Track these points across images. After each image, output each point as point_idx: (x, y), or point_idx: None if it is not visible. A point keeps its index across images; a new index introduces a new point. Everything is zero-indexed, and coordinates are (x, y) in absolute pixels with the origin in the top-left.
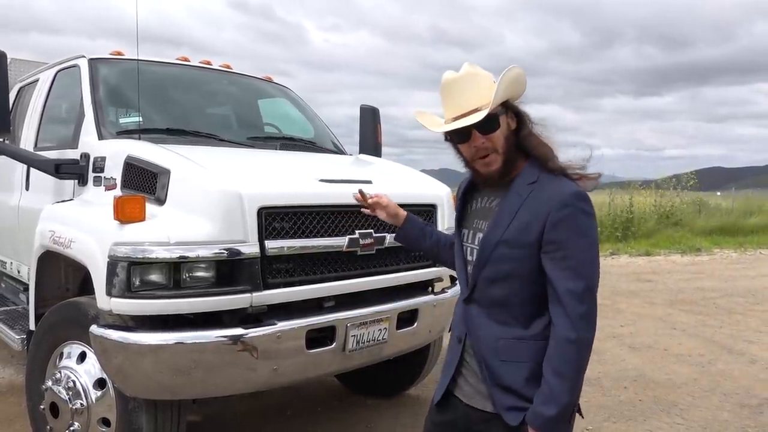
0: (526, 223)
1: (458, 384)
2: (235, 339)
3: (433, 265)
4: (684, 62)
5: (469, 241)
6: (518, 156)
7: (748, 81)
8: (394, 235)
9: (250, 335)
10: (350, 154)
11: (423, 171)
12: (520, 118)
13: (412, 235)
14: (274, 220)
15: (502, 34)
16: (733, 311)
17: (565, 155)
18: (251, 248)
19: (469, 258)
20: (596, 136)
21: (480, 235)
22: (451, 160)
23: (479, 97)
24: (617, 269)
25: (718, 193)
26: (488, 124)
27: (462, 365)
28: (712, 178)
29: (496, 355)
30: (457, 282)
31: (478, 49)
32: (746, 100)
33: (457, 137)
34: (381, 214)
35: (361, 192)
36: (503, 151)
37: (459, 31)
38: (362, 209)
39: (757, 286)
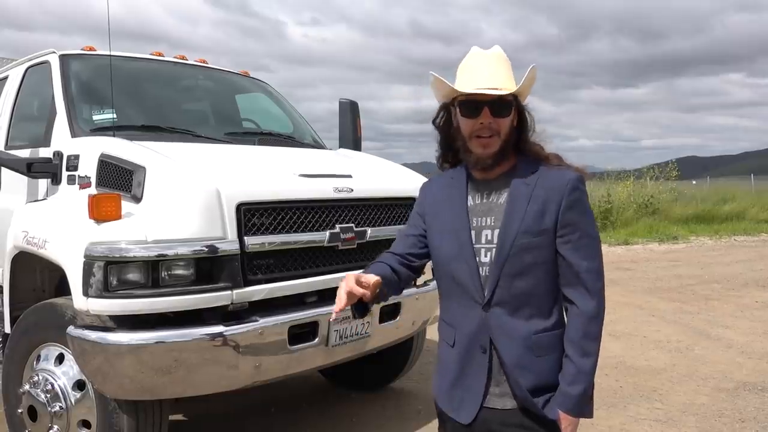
0: (539, 210)
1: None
2: (216, 337)
3: None
4: (658, 54)
5: (474, 242)
6: (510, 150)
7: (720, 72)
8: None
9: (231, 333)
10: (330, 149)
11: (404, 164)
12: (523, 118)
13: (388, 293)
14: (254, 216)
15: (480, 28)
16: (710, 297)
17: (549, 148)
18: (230, 245)
19: (479, 260)
20: (574, 128)
21: (487, 232)
22: (431, 153)
23: (502, 79)
24: None
25: (694, 182)
26: (502, 107)
27: (490, 374)
28: (688, 168)
29: (531, 352)
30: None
31: (456, 43)
32: (718, 91)
33: (467, 109)
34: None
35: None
36: (504, 138)
37: (437, 26)
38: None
39: (732, 273)
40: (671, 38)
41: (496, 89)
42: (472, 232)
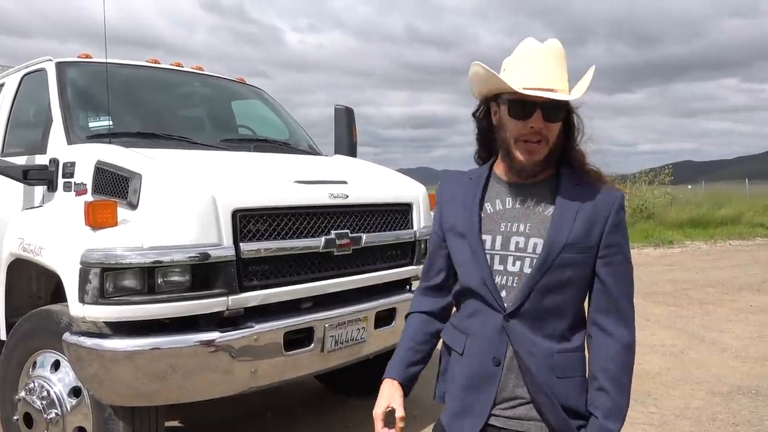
0: (587, 226)
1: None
2: (212, 343)
3: (411, 264)
4: (654, 59)
5: (498, 248)
6: (554, 158)
7: (716, 77)
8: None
9: (227, 339)
10: (326, 155)
11: (401, 170)
12: (572, 125)
13: (420, 369)
14: (249, 222)
15: (476, 33)
16: (705, 302)
17: None
18: (226, 251)
19: (500, 268)
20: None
21: (520, 240)
22: (427, 159)
23: (559, 79)
24: None
25: (689, 187)
26: (556, 111)
27: (498, 390)
28: (684, 172)
29: (552, 371)
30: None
31: (452, 49)
32: (714, 96)
33: (517, 110)
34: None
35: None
36: (553, 145)
37: (433, 31)
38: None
39: (727, 277)
40: (667, 43)
41: (553, 90)
42: (498, 237)
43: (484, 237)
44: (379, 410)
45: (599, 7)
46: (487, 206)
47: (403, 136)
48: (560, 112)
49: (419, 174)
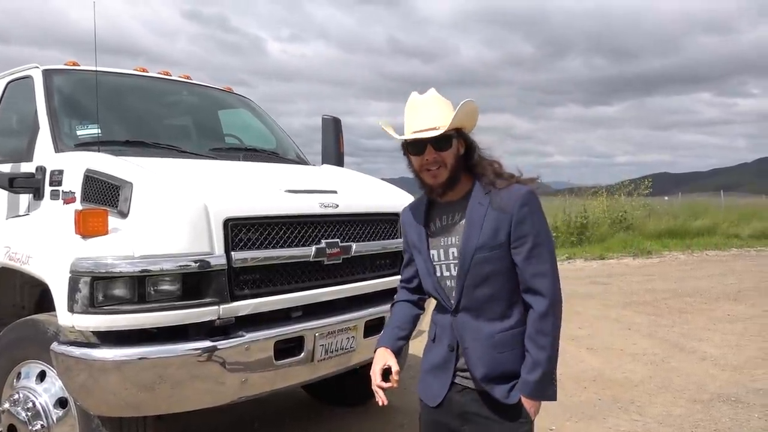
0: (494, 227)
1: (453, 381)
2: (203, 352)
3: (399, 273)
4: (631, 73)
5: (442, 259)
6: (464, 175)
7: (690, 91)
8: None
9: (217, 348)
10: (312, 164)
11: (382, 179)
12: (469, 146)
13: (405, 343)
14: (240, 231)
15: (457, 45)
16: (684, 311)
17: (519, 162)
18: (218, 260)
19: (446, 273)
20: (550, 144)
21: (453, 249)
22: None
23: (438, 119)
24: (573, 273)
25: (666, 198)
26: (442, 142)
27: (456, 365)
28: (660, 184)
29: (494, 349)
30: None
31: (434, 61)
32: (689, 109)
33: (413, 149)
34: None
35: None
36: (450, 167)
37: (415, 43)
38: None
39: (705, 286)
40: (643, 58)
41: (434, 128)
42: (440, 250)
43: (432, 252)
44: (377, 367)
45: (577, 21)
46: (432, 225)
47: (385, 146)
48: (447, 141)
49: (401, 185)
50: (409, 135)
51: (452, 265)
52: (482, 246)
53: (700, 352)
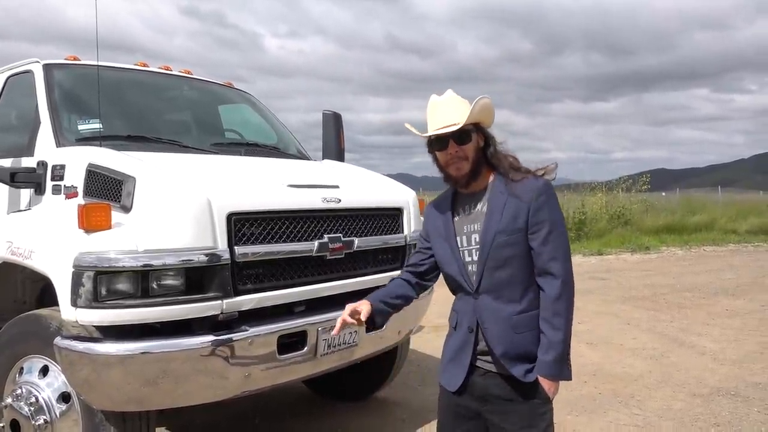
0: (513, 213)
1: (474, 364)
2: (207, 346)
3: (401, 268)
4: (628, 69)
5: (465, 245)
6: (485, 167)
7: (686, 87)
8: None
9: (221, 342)
10: (313, 159)
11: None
12: (487, 139)
13: (382, 313)
14: (244, 226)
15: (454, 42)
16: (682, 306)
17: (522, 158)
18: (221, 254)
19: (468, 259)
20: (548, 140)
21: (475, 235)
22: (407, 165)
23: (457, 116)
24: (573, 269)
25: (663, 194)
26: (463, 136)
27: (476, 348)
28: (657, 180)
29: (512, 329)
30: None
31: (431, 57)
32: (685, 105)
33: (437, 145)
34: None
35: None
36: (472, 160)
37: (412, 39)
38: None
39: (703, 282)
40: (640, 54)
41: (454, 124)
42: (464, 237)
43: (458, 238)
44: (350, 306)
45: (575, 19)
46: (456, 214)
47: (383, 142)
48: (466, 135)
49: (399, 180)
50: (432, 132)
51: (474, 251)
52: (502, 230)
53: (699, 346)
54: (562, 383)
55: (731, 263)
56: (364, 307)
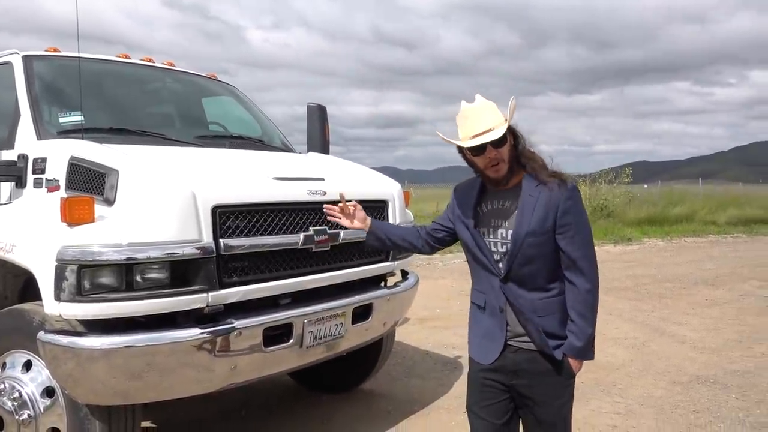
0: (542, 215)
1: (507, 342)
2: (192, 339)
3: (386, 260)
4: (611, 62)
5: (492, 237)
6: (516, 165)
7: (668, 80)
8: (366, 235)
9: (207, 335)
10: (299, 152)
11: None
12: (516, 137)
13: (380, 235)
14: (229, 218)
15: (438, 35)
16: (663, 296)
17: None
18: (206, 247)
19: (494, 249)
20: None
21: (502, 231)
22: (392, 158)
23: (492, 120)
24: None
25: (645, 186)
26: (500, 140)
27: (507, 328)
28: (640, 172)
29: (535, 312)
30: (478, 268)
31: (417, 49)
32: (665, 98)
33: (475, 151)
34: (353, 222)
35: (342, 195)
36: (508, 160)
37: (397, 32)
38: (334, 217)
39: (684, 272)
40: (623, 47)
41: (490, 129)
42: (490, 229)
43: (481, 229)
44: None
45: (559, 13)
46: (483, 206)
47: (367, 135)
48: (503, 139)
49: (384, 173)
50: (470, 141)
51: (500, 244)
52: (532, 232)
53: (679, 335)
54: None
55: (711, 254)
56: (359, 212)
